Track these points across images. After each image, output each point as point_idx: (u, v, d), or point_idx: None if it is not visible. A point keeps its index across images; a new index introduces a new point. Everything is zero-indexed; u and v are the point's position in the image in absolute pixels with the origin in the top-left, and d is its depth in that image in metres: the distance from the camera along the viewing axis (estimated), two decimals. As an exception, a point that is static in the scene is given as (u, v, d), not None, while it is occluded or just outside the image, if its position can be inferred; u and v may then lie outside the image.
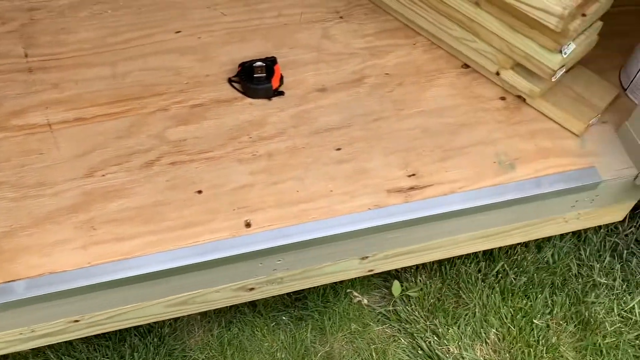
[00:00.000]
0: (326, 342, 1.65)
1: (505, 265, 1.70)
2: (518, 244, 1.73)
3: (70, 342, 1.63)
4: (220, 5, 1.74)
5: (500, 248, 1.73)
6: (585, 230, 1.74)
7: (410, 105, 1.53)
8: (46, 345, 1.62)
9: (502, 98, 1.54)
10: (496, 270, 1.69)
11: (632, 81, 1.51)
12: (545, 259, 1.71)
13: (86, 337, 1.63)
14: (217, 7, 1.74)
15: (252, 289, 1.47)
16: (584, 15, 1.25)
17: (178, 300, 1.42)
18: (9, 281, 1.23)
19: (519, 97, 1.52)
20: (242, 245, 1.30)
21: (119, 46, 1.64)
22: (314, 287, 1.70)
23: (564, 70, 1.39)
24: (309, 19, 1.71)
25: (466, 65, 1.60)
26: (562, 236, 1.73)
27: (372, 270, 1.55)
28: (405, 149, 1.45)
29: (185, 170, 1.41)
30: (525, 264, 1.70)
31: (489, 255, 1.72)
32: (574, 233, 1.73)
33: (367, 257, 1.48)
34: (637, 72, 1.48)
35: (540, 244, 1.73)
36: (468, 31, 1.49)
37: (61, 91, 1.55)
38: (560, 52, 1.31)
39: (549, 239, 1.73)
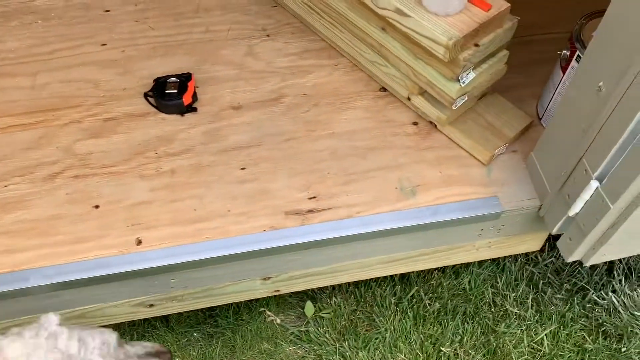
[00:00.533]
0: (236, 360, 1.64)
1: (421, 290, 1.68)
2: (435, 269, 1.71)
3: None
4: (150, 20, 1.75)
5: (418, 273, 1.72)
6: (504, 258, 1.72)
7: (322, 127, 1.53)
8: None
9: (415, 123, 1.53)
10: (411, 294, 1.68)
11: (545, 110, 1.49)
12: (462, 286, 1.69)
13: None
14: (146, 21, 1.75)
15: (152, 305, 1.46)
16: (476, 45, 1.24)
17: (74, 314, 1.42)
18: None
19: (431, 122, 1.51)
20: (129, 263, 1.30)
21: (43, 57, 1.66)
22: (228, 304, 1.69)
23: (466, 98, 1.38)
24: (235, 36, 1.72)
25: (383, 89, 1.59)
26: (480, 263, 1.71)
27: (278, 291, 1.55)
28: (310, 170, 1.45)
29: (86, 184, 1.41)
30: (441, 289, 1.68)
31: (405, 279, 1.71)
32: (492, 260, 1.72)
33: (269, 277, 1.47)
34: (550, 101, 1.46)
35: (458, 270, 1.72)
36: (379, 55, 1.49)
37: (-22, 100, 1.56)
38: (459, 80, 1.30)
39: (467, 265, 1.71)
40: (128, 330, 1.69)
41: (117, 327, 1.68)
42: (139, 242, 1.32)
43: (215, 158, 1.47)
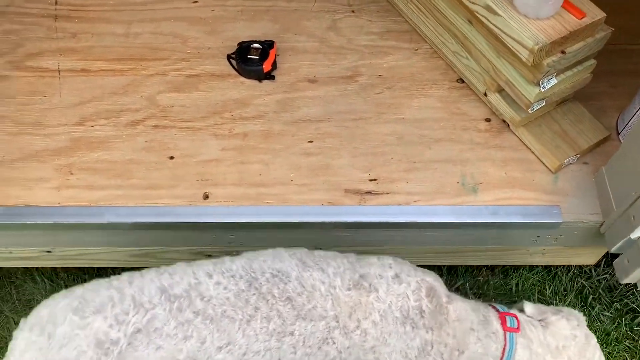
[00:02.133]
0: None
1: (467, 284, 1.70)
2: (484, 266, 1.72)
3: (54, 269, 1.81)
4: (242, -18, 1.80)
5: (466, 267, 1.73)
6: (557, 267, 1.70)
7: (392, 111, 1.54)
8: (34, 268, 1.80)
9: (487, 120, 1.52)
10: (456, 286, 1.70)
11: (626, 125, 1.44)
12: (509, 287, 1.69)
13: (68, 268, 1.80)
14: (238, -16, 1.79)
15: (209, 255, 1.56)
16: (563, 52, 1.21)
17: (140, 252, 1.54)
18: (-12, 205, 1.39)
19: (504, 121, 1.49)
20: (196, 215, 1.38)
21: (138, 7, 1.75)
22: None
23: (544, 103, 1.35)
24: (320, 8, 1.74)
25: (461, 80, 1.58)
26: (531, 267, 1.70)
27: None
28: (375, 152, 1.47)
29: (164, 135, 1.50)
30: (487, 287, 1.69)
31: (453, 271, 1.73)
32: (544, 267, 1.70)
33: (320, 249, 1.53)
34: (633, 116, 1.41)
35: (507, 270, 1.71)
36: (462, 47, 1.47)
37: (77, 41, 1.67)
38: (539, 85, 1.28)
39: (516, 268, 1.71)
40: (183, 274, 1.80)
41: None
42: (206, 197, 1.40)
43: (285, 127, 1.52)
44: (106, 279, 1.06)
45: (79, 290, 1.02)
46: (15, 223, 1.38)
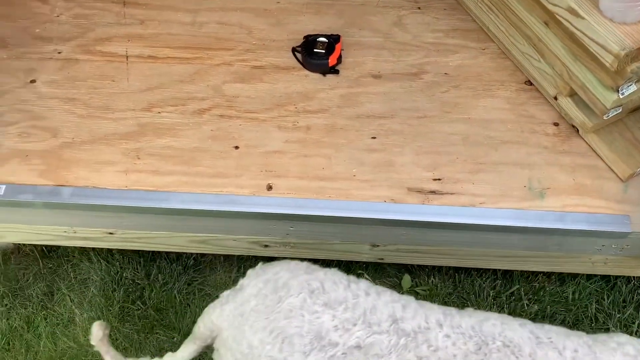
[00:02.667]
0: (328, 313, 1.73)
1: (522, 290, 1.67)
2: (540, 272, 1.69)
3: (110, 250, 1.85)
4: (308, -24, 1.80)
5: (522, 272, 1.70)
6: (616, 277, 1.66)
7: (458, 110, 1.53)
8: (90, 248, 1.85)
9: (556, 124, 1.49)
10: (511, 291, 1.68)
11: (703, 137, 1.39)
12: (565, 294, 1.66)
13: (123, 250, 1.84)
14: (305, -24, 1.80)
15: (266, 245, 1.57)
16: (648, 58, 1.17)
17: (199, 239, 1.56)
18: (59, 185, 1.42)
19: (573, 126, 1.46)
20: (259, 204, 1.40)
21: (205, -4, 1.76)
22: (328, 260, 1.77)
23: (620, 110, 1.32)
24: (386, 3, 1.73)
25: (529, 83, 1.55)
26: (589, 276, 1.67)
27: (382, 259, 1.60)
28: (439, 152, 1.46)
29: (229, 125, 1.52)
30: (542, 293, 1.66)
31: (508, 275, 1.70)
32: (602, 277, 1.66)
33: (378, 245, 1.53)
34: None
35: (564, 278, 1.68)
36: (534, 48, 1.45)
37: (145, 28, 1.70)
38: (617, 91, 1.25)
39: (574, 276, 1.67)
40: (236, 262, 1.83)
41: (227, 257, 1.84)
42: (269, 188, 1.41)
43: (348, 122, 1.52)
44: (346, 277, 1.07)
45: (320, 274, 1.05)
46: (84, 204, 1.41)
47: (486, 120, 1.50)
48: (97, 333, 1.18)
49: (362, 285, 1.05)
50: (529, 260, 1.54)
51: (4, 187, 1.41)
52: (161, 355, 1.16)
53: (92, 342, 1.19)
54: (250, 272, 1.12)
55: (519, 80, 1.57)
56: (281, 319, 0.99)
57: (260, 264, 1.13)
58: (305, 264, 1.09)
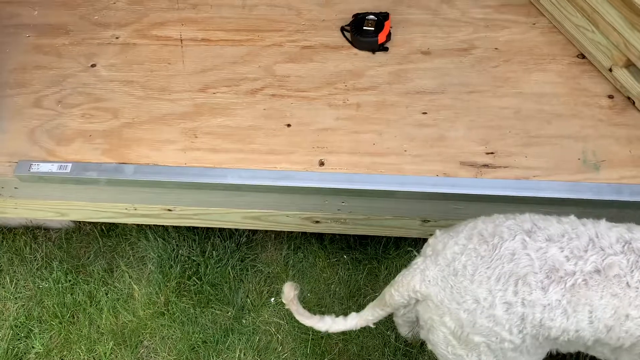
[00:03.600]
0: (378, 289, 1.76)
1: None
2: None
3: (166, 228, 1.92)
4: (354, -45, 1.81)
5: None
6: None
7: (510, 85, 1.52)
8: (147, 226, 1.93)
9: (610, 96, 1.47)
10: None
11: None
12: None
13: (178, 227, 1.91)
14: (351, -44, 1.81)
15: (317, 222, 1.61)
16: None
17: (253, 214, 1.61)
18: (122, 163, 1.49)
19: (629, 98, 1.44)
20: (312, 179, 1.43)
21: (254, -21, 1.80)
22: (378, 237, 1.80)
23: (680, 79, 1.29)
24: (434, -19, 1.73)
25: (582, 56, 1.53)
26: None
27: (432, 234, 1.61)
28: (491, 126, 1.46)
29: (281, 104, 1.56)
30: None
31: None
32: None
33: (428, 220, 1.54)
34: None
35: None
36: (588, 20, 1.43)
37: (197, 12, 1.75)
38: (678, 59, 1.22)
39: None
40: (286, 240, 1.88)
41: (278, 234, 1.88)
42: (321, 164, 1.45)
43: (398, 99, 1.53)
44: (551, 216, 1.07)
45: (524, 217, 1.06)
46: (146, 180, 1.48)
47: (538, 94, 1.49)
48: (288, 293, 1.24)
49: (572, 218, 1.06)
50: (582, 235, 1.52)
51: (70, 165, 1.49)
52: (346, 314, 1.21)
53: (284, 301, 1.25)
54: (433, 238, 1.13)
55: (571, 53, 1.55)
56: (505, 263, 0.99)
57: (437, 231, 1.14)
58: (494, 215, 1.09)
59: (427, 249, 1.12)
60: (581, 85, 1.49)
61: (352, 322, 1.19)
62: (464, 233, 1.07)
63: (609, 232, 1.01)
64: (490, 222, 1.06)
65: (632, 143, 1.40)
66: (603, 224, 1.04)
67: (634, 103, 1.43)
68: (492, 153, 1.42)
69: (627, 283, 0.95)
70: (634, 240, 0.99)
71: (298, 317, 1.24)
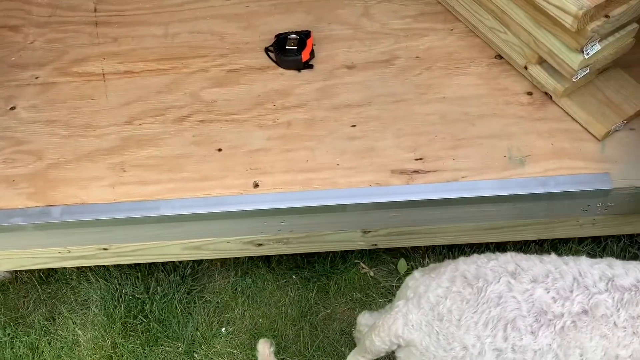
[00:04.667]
0: (329, 305, 1.75)
1: (516, 261, 1.69)
2: (532, 241, 1.71)
3: (107, 268, 1.86)
4: (273, -23, 1.83)
5: (515, 243, 1.72)
6: (606, 237, 1.68)
7: (433, 91, 1.55)
8: (87, 267, 1.86)
9: (529, 93, 1.52)
10: (505, 264, 1.69)
11: (672, 89, 1.43)
12: (559, 261, 1.68)
13: (120, 266, 1.85)
14: (268, -22, 1.83)
15: (260, 244, 1.59)
16: (607, 16, 1.21)
17: (192, 244, 1.57)
18: (48, 205, 1.44)
19: (546, 93, 1.49)
20: (248, 203, 1.41)
21: (175, 8, 1.79)
22: (324, 253, 1.79)
23: (588, 71, 1.35)
24: (352, -4, 1.76)
25: (499, 57, 1.58)
26: (581, 240, 1.69)
27: (375, 245, 1.62)
28: (419, 133, 1.49)
29: (210, 129, 1.54)
30: (536, 262, 1.68)
31: (501, 248, 1.72)
32: (593, 239, 1.69)
33: (369, 231, 1.55)
34: (679, 81, 1.40)
35: (556, 245, 1.71)
36: (499, 22, 1.48)
37: (119, 45, 1.72)
38: (582, 52, 1.28)
39: (566, 241, 1.70)
40: (233, 266, 1.84)
41: (223, 262, 1.85)
42: (256, 185, 1.43)
43: (327, 114, 1.54)
44: (526, 255, 1.05)
45: (506, 257, 1.03)
46: (75, 221, 1.43)
47: (461, 98, 1.53)
48: (263, 351, 1.18)
49: (553, 257, 1.04)
50: (519, 230, 1.56)
51: (-7, 213, 1.42)
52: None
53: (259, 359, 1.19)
54: (413, 280, 1.08)
55: (489, 55, 1.60)
56: (492, 307, 0.96)
57: (415, 271, 1.11)
58: (474, 256, 1.06)
59: (406, 291, 1.08)
60: (501, 84, 1.54)
61: None
62: (446, 275, 1.03)
63: (591, 269, 1.00)
64: (472, 264, 1.04)
65: (553, 136, 1.45)
66: (584, 260, 1.03)
67: (551, 97, 1.49)
68: (421, 159, 1.44)
69: (615, 323, 0.94)
70: (616, 277, 0.98)
71: None
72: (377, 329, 1.07)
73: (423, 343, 1.01)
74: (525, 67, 1.49)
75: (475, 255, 1.06)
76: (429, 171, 1.42)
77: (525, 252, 1.69)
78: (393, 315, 1.05)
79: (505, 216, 1.50)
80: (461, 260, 1.06)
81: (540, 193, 1.37)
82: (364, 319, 1.44)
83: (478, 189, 1.38)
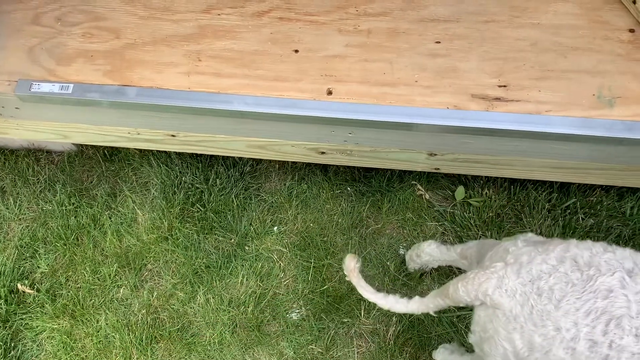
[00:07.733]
0: (380, 220, 1.77)
1: (578, 203, 1.66)
2: (599, 186, 1.67)
3: (169, 155, 1.91)
4: None
5: (579, 185, 1.68)
6: (679, 193, 1.63)
7: (528, 15, 1.46)
8: (150, 152, 1.91)
9: (631, 30, 1.41)
10: (566, 205, 1.67)
11: None
12: (623, 209, 1.64)
13: (182, 154, 1.89)
14: None
15: (323, 152, 1.59)
16: None
17: (257, 143, 1.59)
18: (124, 85, 1.45)
19: (651, 33, 1.38)
20: (319, 109, 1.40)
21: None
22: (382, 170, 1.79)
23: None
24: None
25: (606, -15, 1.46)
26: (650, 192, 1.64)
27: (438, 169, 1.60)
28: (506, 58, 1.41)
29: (289, 28, 1.49)
30: (599, 207, 1.65)
31: (565, 189, 1.69)
32: (664, 192, 1.63)
33: (435, 154, 1.52)
34: None
35: (623, 193, 1.66)
36: (617, -54, 1.35)
37: None
38: None
39: (634, 190, 1.65)
40: (290, 170, 1.87)
41: (282, 164, 1.87)
42: (330, 93, 1.41)
43: (411, 26, 1.47)
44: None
45: (625, 253, 1.00)
46: (148, 104, 1.44)
47: (556, 26, 1.43)
48: (349, 264, 1.22)
49: None
50: (590, 173, 1.51)
51: (71, 85, 1.45)
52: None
53: (345, 272, 1.24)
54: (515, 247, 1.07)
55: (595, -17, 1.47)
56: (599, 299, 0.95)
57: (518, 241, 1.08)
58: (588, 242, 1.03)
59: (506, 255, 1.06)
60: (602, 17, 1.43)
61: (414, 306, 1.17)
62: (554, 253, 1.01)
63: None
64: (586, 250, 1.00)
65: (650, 80, 1.36)
66: None
67: (655, 38, 1.38)
68: (504, 86, 1.38)
69: None
70: None
71: (360, 290, 1.21)
72: (465, 280, 1.07)
73: (513, 311, 1.00)
74: (634, 2, 1.37)
75: (590, 242, 1.02)
76: (512, 100, 1.36)
77: (589, 196, 1.68)
78: (487, 273, 1.04)
79: (581, 157, 1.45)
80: (573, 243, 1.03)
81: (625, 138, 1.30)
82: (430, 248, 1.45)
83: (560, 125, 1.33)
